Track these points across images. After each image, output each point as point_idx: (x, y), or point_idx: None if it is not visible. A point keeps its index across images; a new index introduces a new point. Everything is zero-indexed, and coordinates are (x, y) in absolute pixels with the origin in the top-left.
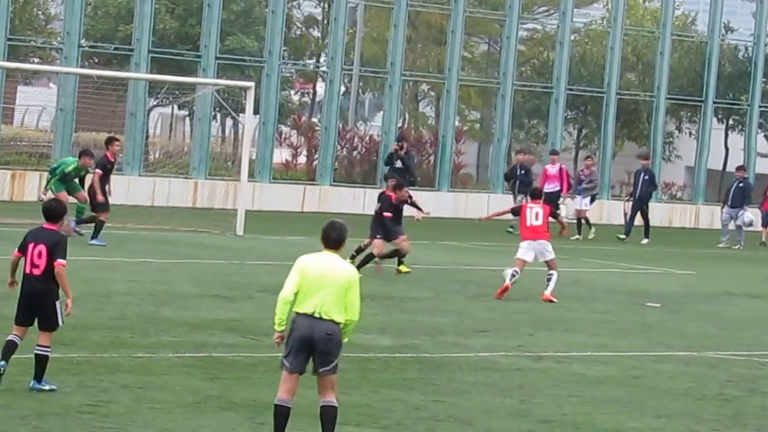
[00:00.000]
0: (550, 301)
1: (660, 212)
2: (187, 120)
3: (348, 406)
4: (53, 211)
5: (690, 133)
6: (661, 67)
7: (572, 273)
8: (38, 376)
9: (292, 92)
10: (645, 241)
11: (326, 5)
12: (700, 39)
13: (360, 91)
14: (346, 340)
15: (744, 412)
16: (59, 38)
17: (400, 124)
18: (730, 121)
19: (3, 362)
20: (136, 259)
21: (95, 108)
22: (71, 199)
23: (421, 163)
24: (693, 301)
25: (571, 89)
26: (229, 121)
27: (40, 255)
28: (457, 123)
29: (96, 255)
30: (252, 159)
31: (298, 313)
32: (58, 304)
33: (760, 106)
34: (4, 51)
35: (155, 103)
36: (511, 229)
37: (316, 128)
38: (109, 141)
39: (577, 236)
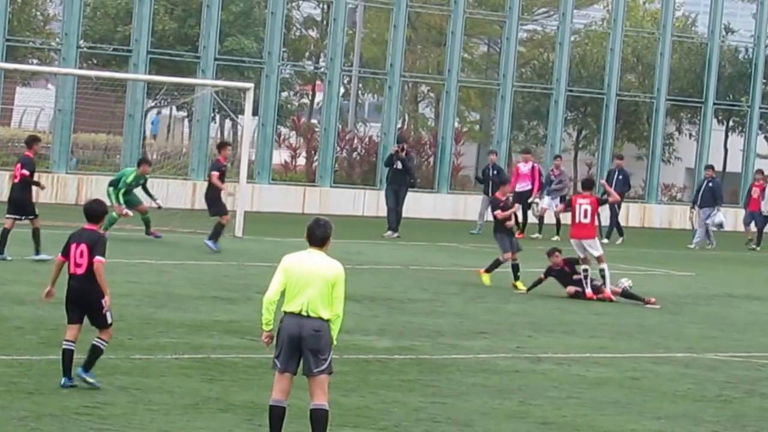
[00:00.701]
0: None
1: (660, 214)
2: (186, 121)
3: (346, 407)
4: (94, 212)
5: (690, 135)
6: (661, 68)
7: None
8: (88, 366)
9: (292, 93)
10: (606, 241)
11: (325, 6)
12: (700, 40)
13: (359, 92)
14: (334, 342)
15: (743, 413)
16: (57, 39)
17: (399, 126)
18: (731, 123)
19: (81, 369)
20: (135, 261)
21: (94, 109)
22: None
23: (420, 164)
24: (693, 302)
25: (571, 90)
26: (228, 123)
27: (81, 254)
28: (456, 124)
29: None
30: (251, 160)
31: (285, 313)
32: (104, 301)
33: (760, 108)
34: (2, 52)
35: (153, 104)
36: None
37: (316, 129)
38: (223, 145)
39: (537, 235)
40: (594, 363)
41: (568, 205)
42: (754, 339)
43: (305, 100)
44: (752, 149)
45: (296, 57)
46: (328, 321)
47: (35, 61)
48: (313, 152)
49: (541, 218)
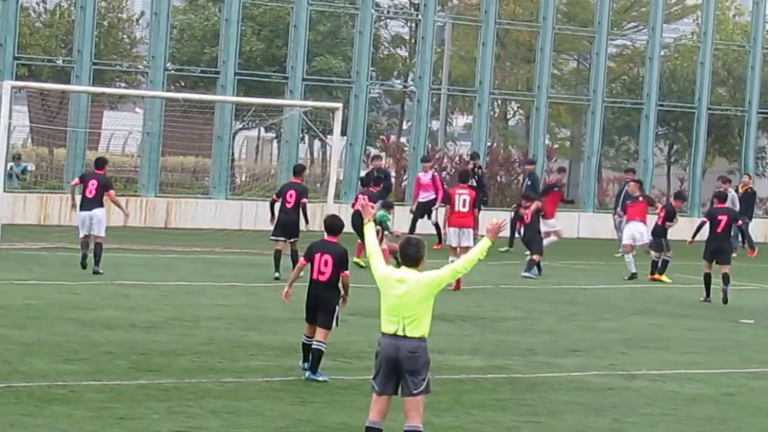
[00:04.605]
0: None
1: (755, 228)
2: (274, 142)
3: (440, 428)
4: (335, 226)
5: None
6: (752, 81)
7: (665, 289)
8: (314, 368)
9: (380, 113)
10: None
11: (413, 24)
12: None
13: (449, 110)
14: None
15: None
16: (145, 62)
17: (489, 144)
18: None
19: (309, 373)
20: (224, 283)
21: (182, 131)
22: None
23: (510, 183)
24: None
25: (661, 105)
26: (317, 143)
27: (326, 264)
28: (547, 141)
29: (184, 280)
30: (339, 180)
31: (383, 334)
32: (337, 307)
33: None
34: (89, 75)
35: (241, 126)
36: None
37: (405, 149)
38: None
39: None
40: (688, 379)
41: (449, 201)
42: None
43: (394, 120)
44: None
45: (385, 76)
46: (425, 340)
47: (123, 84)
48: (402, 172)
49: None
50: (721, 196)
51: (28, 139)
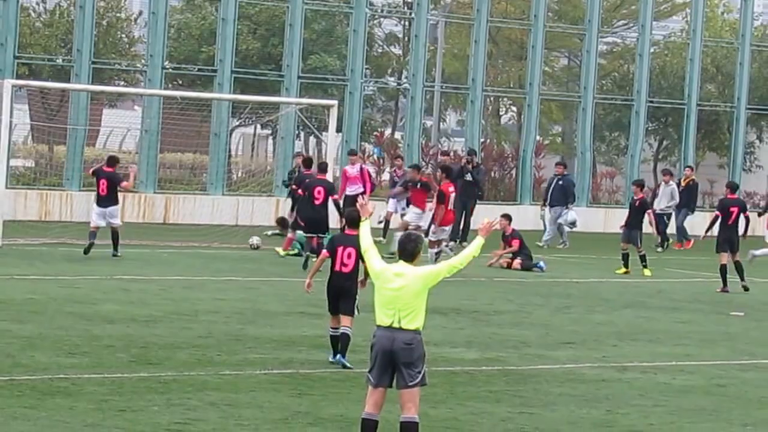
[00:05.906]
0: None
1: (743, 222)
2: (270, 139)
3: (435, 419)
4: (355, 219)
5: None
6: (741, 77)
7: (655, 283)
8: (343, 352)
9: (375, 109)
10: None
11: (407, 23)
12: None
13: (442, 107)
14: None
15: None
16: (143, 61)
17: (482, 140)
18: None
19: (339, 356)
20: (222, 278)
21: (180, 129)
22: None
23: (503, 177)
24: None
25: (651, 101)
26: (312, 140)
27: (349, 256)
28: (538, 137)
29: (182, 274)
30: (335, 176)
31: (378, 327)
32: (357, 296)
33: None
34: (88, 74)
35: (237, 123)
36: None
37: (399, 145)
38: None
39: (381, 239)
40: (680, 371)
41: (442, 198)
42: None
43: (389, 116)
44: None
45: (379, 74)
46: (420, 333)
47: (121, 82)
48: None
49: (386, 222)
50: (733, 187)
51: (28, 137)
